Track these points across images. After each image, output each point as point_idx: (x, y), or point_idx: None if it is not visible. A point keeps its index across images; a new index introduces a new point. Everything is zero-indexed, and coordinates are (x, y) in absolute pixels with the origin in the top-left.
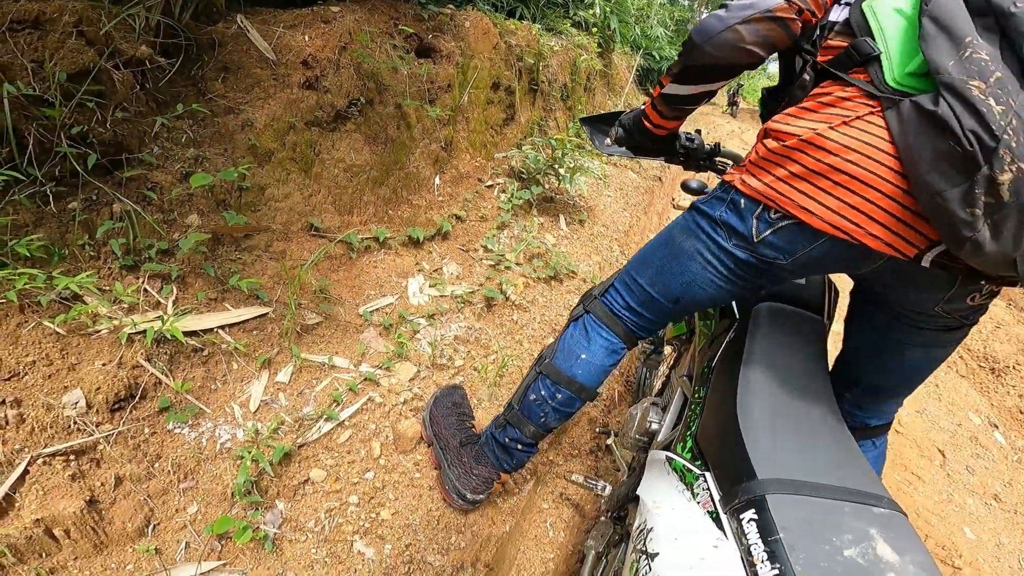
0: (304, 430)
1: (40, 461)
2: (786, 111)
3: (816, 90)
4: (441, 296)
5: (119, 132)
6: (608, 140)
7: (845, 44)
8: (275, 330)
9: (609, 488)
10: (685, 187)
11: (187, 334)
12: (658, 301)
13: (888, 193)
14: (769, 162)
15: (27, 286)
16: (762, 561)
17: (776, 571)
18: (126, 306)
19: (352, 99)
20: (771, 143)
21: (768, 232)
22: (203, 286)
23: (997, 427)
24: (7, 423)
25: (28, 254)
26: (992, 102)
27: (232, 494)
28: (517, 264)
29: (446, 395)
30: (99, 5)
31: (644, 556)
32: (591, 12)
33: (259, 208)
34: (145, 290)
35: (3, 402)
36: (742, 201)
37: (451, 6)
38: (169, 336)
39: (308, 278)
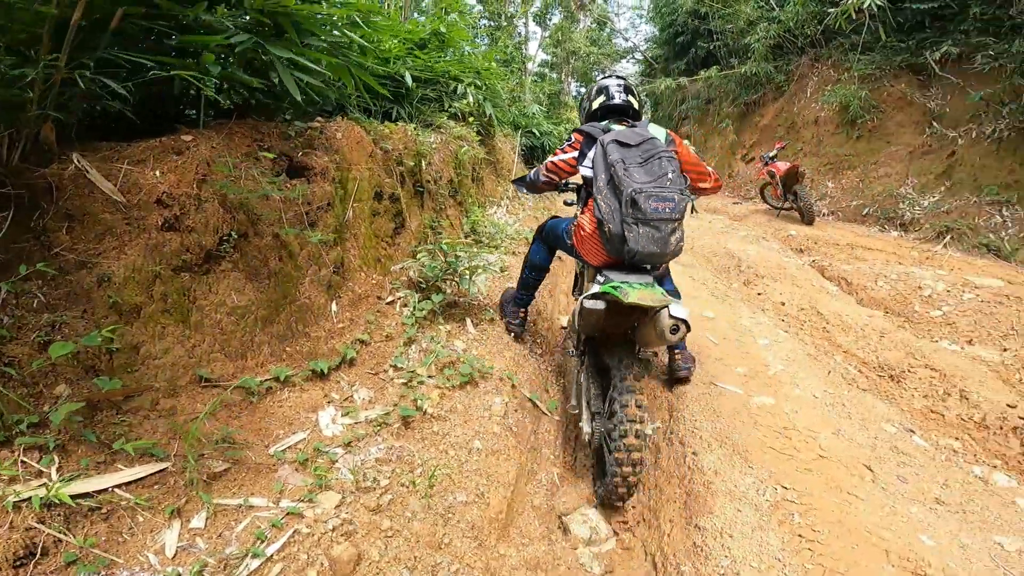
0: (231, 569)
1: None
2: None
3: None
4: (356, 423)
5: None
6: (525, 189)
7: None
8: (178, 482)
9: None
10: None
11: (78, 496)
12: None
13: None
14: None
15: None
16: None
17: None
18: (6, 479)
19: (222, 235)
20: None
21: None
22: (87, 452)
23: (913, 431)
24: None
25: None
26: None
27: None
28: (430, 377)
29: (507, 293)
30: None
31: None
32: (465, 103)
33: (136, 369)
34: (23, 462)
35: None
36: None
37: (320, 119)
38: (57, 501)
39: (206, 429)
